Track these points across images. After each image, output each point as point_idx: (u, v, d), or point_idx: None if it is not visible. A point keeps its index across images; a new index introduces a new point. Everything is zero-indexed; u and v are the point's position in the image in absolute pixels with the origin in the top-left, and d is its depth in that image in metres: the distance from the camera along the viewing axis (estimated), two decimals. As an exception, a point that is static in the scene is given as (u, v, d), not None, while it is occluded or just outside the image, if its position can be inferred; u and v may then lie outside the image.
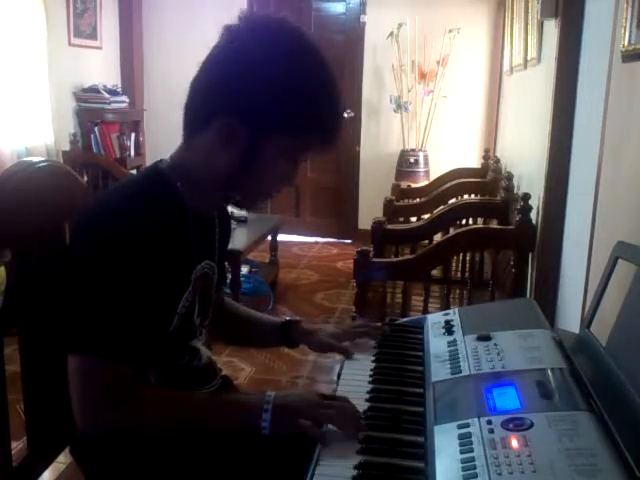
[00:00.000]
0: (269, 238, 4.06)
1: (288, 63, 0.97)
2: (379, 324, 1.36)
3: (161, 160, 1.09)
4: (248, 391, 1.48)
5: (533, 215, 2.35)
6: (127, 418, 0.97)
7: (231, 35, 1.00)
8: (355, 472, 0.84)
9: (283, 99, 0.96)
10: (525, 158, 3.06)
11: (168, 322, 1.05)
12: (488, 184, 3.62)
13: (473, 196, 3.56)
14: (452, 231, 2.68)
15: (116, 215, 0.98)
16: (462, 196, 3.50)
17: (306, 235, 5.50)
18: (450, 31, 4.80)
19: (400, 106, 4.98)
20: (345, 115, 5.03)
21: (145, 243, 0.96)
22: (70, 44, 4.60)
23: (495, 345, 1.10)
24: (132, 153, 5.11)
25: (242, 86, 0.96)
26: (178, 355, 1.11)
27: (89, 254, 0.96)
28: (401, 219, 3.31)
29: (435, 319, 1.32)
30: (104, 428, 0.97)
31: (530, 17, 2.99)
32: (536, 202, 2.35)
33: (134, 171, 4.83)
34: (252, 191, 1.08)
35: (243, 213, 4.14)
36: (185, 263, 1.07)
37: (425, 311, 2.18)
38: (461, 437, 0.83)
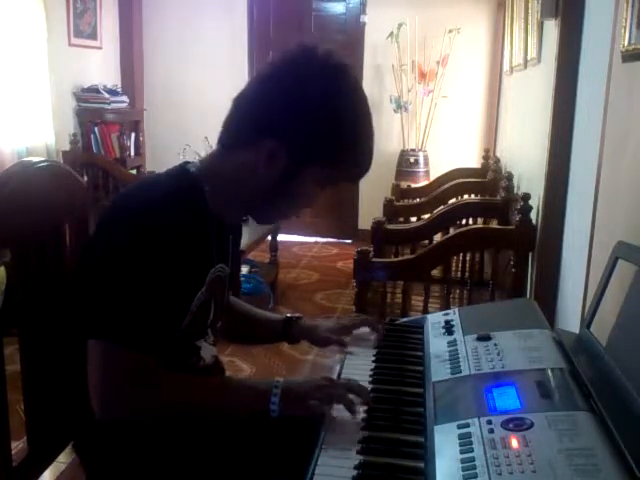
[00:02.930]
0: (269, 238, 4.06)
1: (342, 103, 1.03)
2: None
3: (188, 162, 1.13)
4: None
5: (533, 215, 2.35)
6: (143, 404, 1.00)
7: (287, 62, 1.05)
8: (355, 472, 0.84)
9: (330, 136, 1.03)
10: (525, 158, 3.06)
11: (181, 318, 1.07)
12: (488, 184, 3.62)
13: (473, 196, 3.56)
14: (452, 231, 2.68)
15: (146, 210, 1.01)
16: (462, 196, 3.50)
17: (306, 235, 5.50)
18: (450, 31, 4.80)
19: (400, 106, 4.98)
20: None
21: (171, 240, 1.00)
22: (70, 44, 4.60)
23: (495, 345, 1.10)
24: (132, 153, 5.11)
25: (294, 117, 1.02)
26: (187, 354, 1.13)
27: (118, 245, 0.99)
28: (401, 219, 3.31)
29: (435, 319, 1.32)
30: (120, 413, 1.00)
31: (530, 17, 2.99)
32: (536, 202, 2.35)
33: (134, 171, 4.84)
34: (278, 210, 1.14)
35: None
36: (204, 263, 1.10)
37: (425, 311, 2.18)
38: (461, 437, 0.83)
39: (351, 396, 1.01)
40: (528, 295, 2.39)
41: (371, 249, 2.32)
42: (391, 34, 4.87)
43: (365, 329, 1.33)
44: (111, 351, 0.97)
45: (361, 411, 1.00)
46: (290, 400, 1.01)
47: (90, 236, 1.10)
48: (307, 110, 1.02)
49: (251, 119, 1.06)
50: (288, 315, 1.37)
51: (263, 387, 1.03)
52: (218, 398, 1.06)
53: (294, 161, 1.03)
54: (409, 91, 5.01)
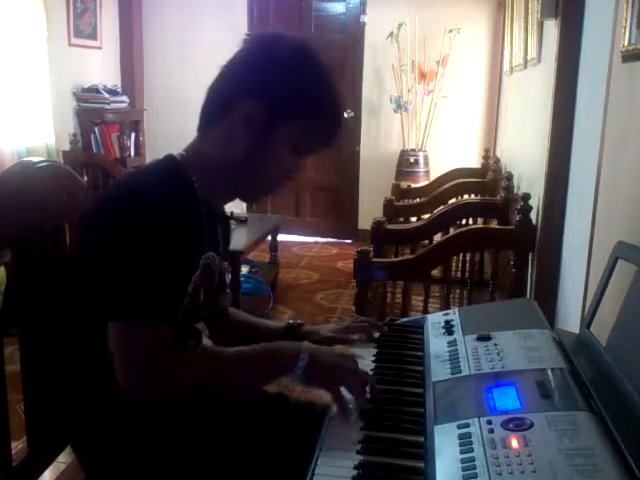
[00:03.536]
0: (269, 238, 4.06)
1: (307, 63, 1.09)
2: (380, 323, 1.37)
3: (172, 154, 1.14)
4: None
5: (533, 215, 2.35)
6: (172, 377, 1.01)
7: (252, 40, 1.12)
8: (355, 472, 0.84)
9: (299, 91, 1.07)
10: (525, 158, 3.06)
11: (181, 297, 1.08)
12: (488, 184, 3.62)
13: (473, 196, 3.56)
14: (452, 231, 2.67)
15: (139, 194, 1.03)
16: (462, 196, 3.50)
17: (306, 235, 5.50)
18: (450, 31, 4.80)
19: (400, 106, 4.99)
20: (345, 115, 5.04)
21: (169, 221, 1.02)
22: (70, 44, 4.61)
23: (495, 345, 1.09)
24: (132, 153, 5.11)
25: (263, 74, 1.07)
26: (186, 337, 1.13)
27: (122, 229, 1.01)
28: (401, 219, 3.31)
29: (435, 319, 1.31)
30: (150, 389, 1.01)
31: (530, 17, 2.99)
32: (536, 202, 2.35)
33: (134, 171, 4.83)
34: (261, 182, 1.15)
35: (243, 213, 4.15)
36: (197, 247, 1.11)
37: (425, 311, 2.18)
38: (461, 437, 0.83)
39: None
40: (528, 295, 2.39)
41: (371, 249, 2.31)
42: (391, 34, 4.88)
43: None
44: (131, 329, 0.99)
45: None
46: (315, 370, 1.01)
47: (87, 227, 1.10)
48: (276, 65, 1.07)
49: (222, 94, 1.10)
50: (290, 322, 1.36)
51: (289, 351, 1.04)
52: (242, 364, 1.06)
53: (268, 117, 1.06)
54: (409, 91, 5.01)
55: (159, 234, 1.00)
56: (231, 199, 1.22)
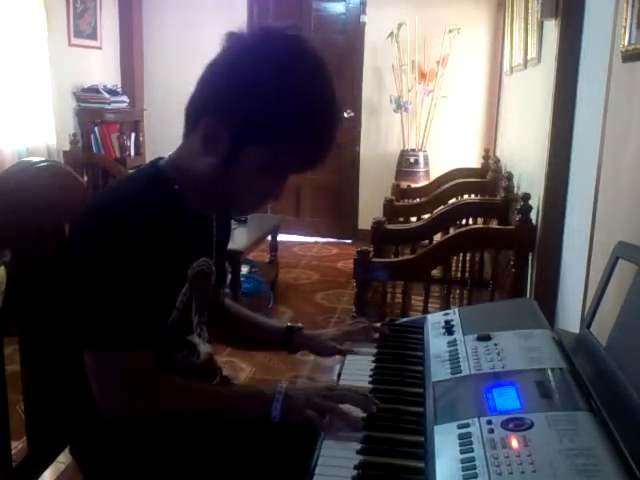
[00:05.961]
0: (269, 238, 4.06)
1: (284, 77, 0.95)
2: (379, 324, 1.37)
3: (160, 158, 1.10)
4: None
5: (533, 215, 2.35)
6: (148, 403, 1.00)
7: (231, 41, 1.01)
8: (355, 472, 0.84)
9: (270, 111, 0.95)
10: (525, 158, 3.06)
11: (167, 316, 1.06)
12: (488, 184, 3.62)
13: (473, 196, 3.56)
14: (452, 231, 2.68)
15: (119, 211, 0.99)
16: (462, 196, 3.50)
17: (306, 235, 5.50)
18: (450, 31, 4.80)
19: (400, 106, 4.99)
20: (345, 115, 5.04)
21: (147, 239, 0.98)
22: (70, 44, 4.61)
23: (495, 345, 1.09)
24: (132, 153, 5.11)
25: (229, 89, 0.97)
26: (176, 349, 1.12)
27: (94, 249, 0.98)
28: (401, 219, 3.31)
29: (435, 319, 1.31)
30: (128, 415, 1.00)
31: (530, 17, 2.99)
32: (536, 202, 2.35)
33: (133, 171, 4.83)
34: (233, 199, 1.07)
35: (243, 213, 4.14)
36: (182, 259, 1.08)
37: (425, 311, 2.18)
38: (461, 437, 0.83)
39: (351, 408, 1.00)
40: (528, 295, 2.39)
41: (371, 249, 2.32)
42: (391, 34, 4.88)
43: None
44: (105, 359, 0.98)
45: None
46: (290, 408, 1.00)
47: (66, 243, 1.09)
48: (243, 83, 0.95)
49: (193, 103, 1.02)
50: (289, 324, 1.35)
51: (266, 393, 1.02)
52: (219, 401, 1.06)
53: (234, 140, 0.97)
54: (409, 91, 5.01)
55: (129, 257, 0.96)
56: (216, 212, 1.16)
